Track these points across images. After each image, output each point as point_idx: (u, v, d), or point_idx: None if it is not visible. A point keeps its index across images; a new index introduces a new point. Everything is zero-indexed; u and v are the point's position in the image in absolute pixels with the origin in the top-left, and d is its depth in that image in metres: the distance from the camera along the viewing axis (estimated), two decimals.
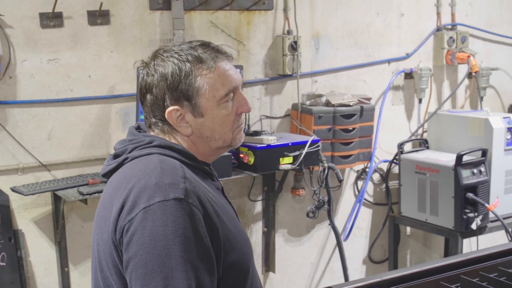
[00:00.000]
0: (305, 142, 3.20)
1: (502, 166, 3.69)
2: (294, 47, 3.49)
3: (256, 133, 3.23)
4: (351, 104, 3.56)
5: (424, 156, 3.78)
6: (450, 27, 4.17)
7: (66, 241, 3.10)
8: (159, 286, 1.35)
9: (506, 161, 3.70)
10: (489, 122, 3.63)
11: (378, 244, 4.13)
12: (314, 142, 3.24)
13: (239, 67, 3.15)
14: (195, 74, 1.51)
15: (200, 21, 3.33)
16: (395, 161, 3.94)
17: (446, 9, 4.15)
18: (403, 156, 3.84)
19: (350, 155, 3.60)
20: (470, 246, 4.14)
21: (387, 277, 1.85)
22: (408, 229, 4.21)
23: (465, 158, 3.49)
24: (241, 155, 3.17)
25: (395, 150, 3.91)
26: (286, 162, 3.17)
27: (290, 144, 3.18)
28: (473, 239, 3.77)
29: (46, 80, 3.00)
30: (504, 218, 3.54)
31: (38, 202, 3.05)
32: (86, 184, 2.88)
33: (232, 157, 3.12)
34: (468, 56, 4.00)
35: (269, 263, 3.72)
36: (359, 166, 3.91)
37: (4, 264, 2.92)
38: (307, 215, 3.42)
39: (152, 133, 1.59)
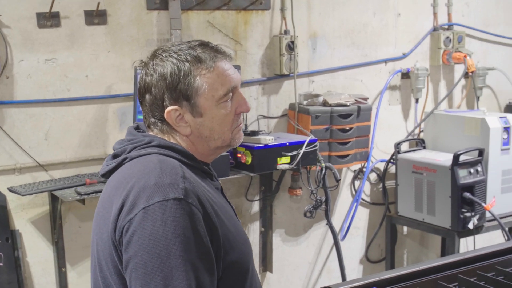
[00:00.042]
0: (303, 142, 3.20)
1: (498, 166, 3.69)
2: (291, 47, 3.49)
3: (254, 133, 3.23)
4: (348, 104, 3.56)
5: (421, 155, 3.79)
6: (446, 27, 4.18)
7: (63, 241, 3.10)
8: (159, 286, 1.35)
9: (502, 161, 3.71)
10: (486, 122, 3.64)
11: (375, 244, 4.14)
12: (311, 142, 3.24)
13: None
14: (194, 74, 1.51)
15: (197, 21, 3.33)
16: (392, 160, 3.95)
17: (442, 9, 4.16)
18: (400, 155, 3.84)
19: (347, 155, 3.61)
20: (467, 246, 4.15)
21: (385, 276, 1.85)
22: (405, 228, 4.22)
23: (462, 158, 3.50)
24: (239, 155, 3.17)
25: (392, 150, 3.92)
26: (283, 162, 3.18)
27: (287, 144, 3.19)
28: (470, 238, 3.79)
29: (43, 80, 2.99)
30: (500, 218, 3.56)
31: (35, 202, 3.04)
32: (84, 184, 2.88)
33: (230, 157, 3.12)
34: (465, 56, 4.01)
35: (266, 263, 3.72)
36: (356, 166, 3.92)
37: (1, 264, 2.92)
38: (305, 215, 3.42)
39: (151, 133, 1.59)
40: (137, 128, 1.63)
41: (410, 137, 4.10)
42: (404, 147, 4.03)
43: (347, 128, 3.56)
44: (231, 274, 1.49)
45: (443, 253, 4.12)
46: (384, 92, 3.98)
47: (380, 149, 4.02)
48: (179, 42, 1.59)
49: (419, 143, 4.04)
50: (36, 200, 3.04)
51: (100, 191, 2.78)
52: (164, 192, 1.39)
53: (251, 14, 3.49)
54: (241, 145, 3.13)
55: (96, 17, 3.05)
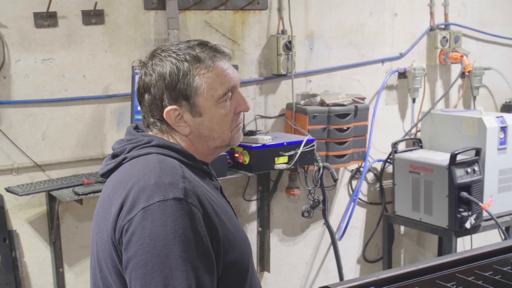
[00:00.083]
0: (300, 142, 3.21)
1: (495, 165, 3.70)
2: (288, 47, 3.50)
3: (251, 133, 3.24)
4: (345, 103, 3.57)
5: (418, 155, 3.79)
6: (443, 27, 4.19)
7: (61, 242, 3.10)
8: (159, 286, 1.35)
9: (499, 160, 3.72)
10: (483, 122, 3.65)
11: (372, 244, 4.14)
12: (309, 142, 3.24)
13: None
14: (193, 74, 1.51)
15: (194, 20, 3.33)
16: (389, 160, 3.95)
17: (439, 9, 4.17)
18: (397, 155, 3.85)
19: (345, 155, 3.61)
20: (464, 245, 4.16)
21: (383, 276, 1.85)
22: (402, 228, 4.23)
23: (459, 157, 3.50)
24: (236, 155, 3.17)
25: (389, 150, 3.92)
26: (281, 162, 3.18)
27: (285, 143, 3.19)
28: (467, 238, 3.79)
29: (41, 80, 2.99)
30: (497, 217, 3.56)
31: (32, 203, 3.04)
32: (81, 184, 2.87)
33: (227, 157, 3.12)
34: (461, 56, 4.02)
35: (263, 263, 3.72)
36: (353, 166, 3.92)
37: None
38: (302, 215, 3.42)
39: (150, 133, 1.59)
40: (136, 128, 1.62)
41: (407, 137, 4.11)
42: (401, 146, 4.03)
43: (345, 128, 3.56)
44: (231, 273, 1.49)
45: (440, 253, 4.12)
46: (381, 92, 3.98)
47: (377, 149, 4.02)
48: (178, 41, 1.59)
49: (416, 143, 4.04)
50: (33, 200, 3.04)
51: (98, 191, 2.78)
52: (164, 192, 1.39)
53: (249, 14, 3.50)
54: (239, 145, 3.11)
55: (93, 17, 3.05)
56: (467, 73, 4.12)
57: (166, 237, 1.36)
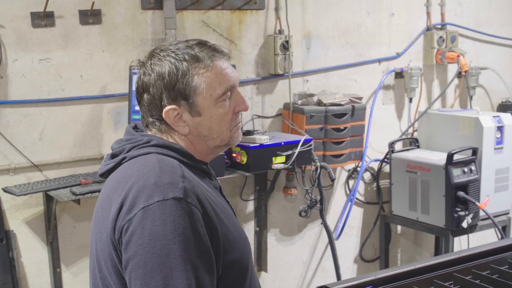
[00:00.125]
0: (298, 142, 3.21)
1: (492, 165, 3.71)
2: (285, 46, 3.50)
3: (249, 133, 3.24)
4: (342, 103, 3.57)
5: (415, 155, 3.80)
6: (440, 26, 4.20)
7: (58, 242, 3.09)
8: (159, 286, 1.35)
9: (496, 160, 3.73)
10: (479, 121, 3.66)
11: (369, 243, 4.15)
12: (306, 142, 3.24)
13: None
14: (192, 73, 1.51)
15: (192, 20, 3.33)
16: (386, 160, 3.96)
17: (435, 9, 4.18)
18: (394, 155, 3.86)
19: (342, 154, 3.61)
20: (460, 245, 4.17)
21: (381, 275, 1.85)
22: (399, 227, 4.24)
23: (456, 157, 3.51)
24: (234, 155, 3.17)
25: (386, 149, 3.93)
26: (278, 162, 3.18)
27: (282, 143, 3.19)
28: (463, 237, 3.80)
29: (38, 80, 2.99)
30: (494, 216, 3.57)
31: (29, 203, 3.03)
32: (79, 184, 2.87)
33: (225, 156, 3.12)
34: (458, 56, 4.02)
35: (261, 263, 3.72)
36: (350, 165, 3.92)
37: None
38: (300, 214, 3.43)
39: (149, 133, 1.59)
40: (135, 127, 1.62)
41: (404, 137, 4.12)
42: (398, 146, 4.04)
43: (342, 128, 3.56)
44: (231, 273, 1.49)
45: (437, 252, 4.14)
46: (378, 92, 3.99)
47: (374, 149, 4.03)
48: (177, 41, 1.58)
49: (413, 143, 4.05)
50: (30, 201, 3.03)
51: (95, 191, 2.78)
52: (163, 192, 1.39)
53: (246, 13, 3.50)
54: (237, 145, 3.13)
55: (90, 16, 3.04)
56: (463, 73, 4.13)
57: (166, 237, 1.36)
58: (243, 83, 3.51)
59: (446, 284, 1.84)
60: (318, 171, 3.36)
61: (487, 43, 4.45)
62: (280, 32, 3.55)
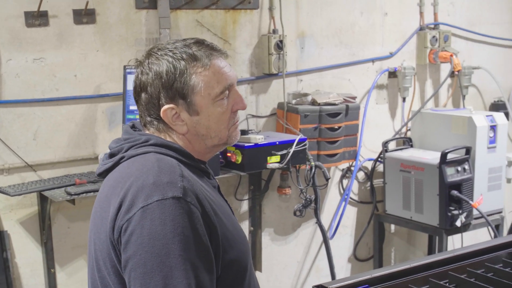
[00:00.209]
0: (292, 141, 3.21)
1: (485, 164, 3.73)
2: (280, 46, 3.50)
3: (243, 132, 3.23)
4: (336, 103, 3.58)
5: (408, 154, 3.81)
6: (432, 26, 4.22)
7: (52, 242, 3.08)
8: (159, 286, 1.35)
9: (489, 159, 3.74)
10: (473, 121, 3.67)
11: (363, 242, 4.16)
12: (301, 141, 3.25)
13: None
14: (190, 72, 1.50)
15: (186, 20, 3.33)
16: (379, 159, 3.97)
17: (428, 8, 4.19)
18: (387, 154, 3.87)
19: (336, 154, 3.62)
20: (453, 244, 4.19)
21: (376, 274, 1.86)
22: (392, 227, 4.25)
23: (449, 156, 3.52)
24: (229, 154, 3.17)
25: (379, 149, 3.94)
26: (273, 161, 3.18)
27: (277, 143, 3.19)
28: (456, 236, 3.82)
29: (32, 80, 2.97)
30: (487, 215, 3.59)
31: (24, 203, 3.02)
32: (73, 184, 2.86)
33: (220, 156, 3.12)
34: (451, 55, 4.04)
35: (255, 262, 3.72)
36: (344, 165, 3.93)
37: None
38: (294, 214, 3.43)
39: (147, 132, 1.58)
40: (133, 127, 1.62)
41: (397, 136, 4.13)
42: (391, 146, 4.05)
43: (336, 127, 3.57)
44: (230, 272, 1.49)
45: (430, 251, 4.15)
46: (372, 91, 4.00)
47: (368, 148, 4.04)
48: (175, 40, 1.58)
49: (406, 142, 4.06)
50: (24, 201, 3.02)
51: (90, 191, 2.77)
52: (162, 191, 1.39)
53: (240, 13, 3.50)
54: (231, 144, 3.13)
55: (84, 16, 3.03)
56: (456, 72, 4.15)
57: (165, 236, 1.36)
58: (237, 82, 3.50)
59: (441, 282, 1.85)
60: (313, 170, 3.36)
61: (480, 43, 4.47)
62: (274, 31, 3.55)
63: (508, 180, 4.08)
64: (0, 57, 2.89)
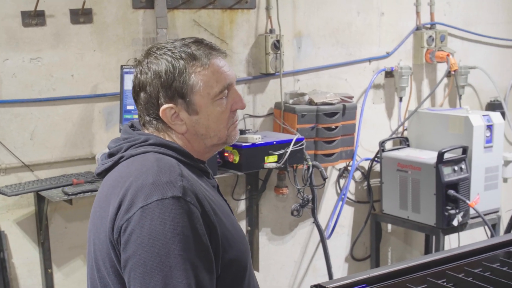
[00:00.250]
0: (290, 141, 3.22)
1: (482, 163, 3.74)
2: (277, 46, 3.50)
3: (241, 132, 3.23)
4: (333, 102, 3.58)
5: (405, 154, 3.82)
6: (429, 26, 4.22)
7: (49, 242, 3.07)
8: (159, 285, 1.34)
9: (485, 158, 3.75)
10: (469, 120, 3.68)
11: (360, 242, 4.16)
12: (298, 141, 3.25)
13: None
14: (189, 72, 1.50)
15: (183, 19, 3.33)
16: (376, 159, 3.97)
17: (425, 8, 4.20)
18: (384, 154, 3.87)
19: (333, 153, 3.63)
20: (450, 243, 4.20)
21: (374, 273, 1.87)
22: (389, 226, 4.25)
23: (446, 156, 3.53)
24: (226, 154, 3.17)
25: (376, 148, 3.94)
26: (271, 161, 3.18)
27: (274, 142, 3.20)
28: (453, 236, 3.82)
29: (28, 80, 2.97)
30: (484, 215, 3.60)
31: (21, 203, 3.01)
32: (70, 184, 2.86)
33: (217, 156, 3.12)
34: (448, 55, 4.05)
35: (252, 262, 3.71)
36: (341, 164, 3.93)
37: None
38: (292, 213, 3.43)
39: (146, 131, 1.58)
40: (132, 126, 1.61)
41: (394, 136, 4.13)
42: (388, 145, 4.06)
43: (333, 127, 3.57)
44: (229, 272, 1.49)
45: (427, 251, 4.16)
46: (369, 91, 4.00)
47: (365, 148, 4.04)
48: (174, 39, 1.57)
49: (403, 142, 4.07)
50: (21, 201, 3.01)
51: (87, 191, 2.77)
52: (162, 191, 1.38)
53: (237, 13, 3.50)
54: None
55: (81, 16, 3.03)
56: (453, 72, 4.15)
57: (165, 236, 1.35)
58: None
59: (439, 282, 1.86)
60: (310, 170, 3.36)
61: (476, 43, 4.48)
62: (271, 31, 3.55)
63: (505, 180, 4.09)
64: None
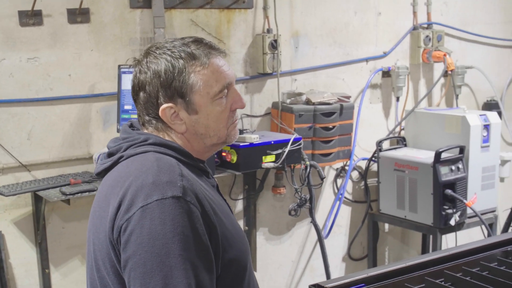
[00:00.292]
0: (287, 140, 3.22)
1: (479, 163, 3.74)
2: (274, 45, 3.50)
3: (239, 132, 3.23)
4: (331, 102, 3.58)
5: (402, 153, 3.82)
6: (426, 26, 4.23)
7: (46, 243, 3.06)
8: (159, 285, 1.34)
9: (482, 158, 3.76)
10: (466, 120, 3.69)
11: (357, 242, 4.16)
12: (296, 140, 3.25)
13: None
14: (188, 71, 1.50)
15: (180, 19, 3.32)
16: (373, 158, 3.97)
17: (422, 8, 4.20)
18: (381, 153, 3.87)
19: (330, 153, 3.63)
20: (447, 243, 4.20)
21: (372, 273, 1.87)
22: (386, 226, 4.26)
23: (443, 155, 3.53)
24: (224, 154, 3.17)
25: (373, 148, 3.95)
26: (268, 161, 3.18)
27: (272, 142, 3.20)
28: (450, 235, 3.83)
29: (26, 79, 2.96)
30: (481, 214, 3.60)
31: (18, 203, 3.00)
32: (68, 184, 2.85)
33: (215, 155, 3.12)
34: (444, 55, 4.05)
35: None
36: (338, 164, 3.94)
37: None
38: (289, 213, 3.44)
39: (145, 131, 1.57)
40: (131, 126, 1.61)
41: (391, 135, 4.14)
42: (385, 145, 4.06)
43: (330, 127, 3.57)
44: (229, 271, 1.49)
45: (424, 250, 4.16)
46: (366, 91, 4.01)
47: (362, 147, 4.04)
48: (173, 38, 1.57)
49: (400, 141, 4.07)
50: (19, 201, 3.00)
51: (85, 191, 2.76)
52: (162, 191, 1.38)
53: (234, 12, 3.50)
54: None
55: (79, 15, 3.02)
56: (449, 72, 4.16)
57: (165, 236, 1.35)
58: None
59: (437, 281, 1.86)
60: (308, 169, 3.36)
61: (473, 42, 4.49)
62: (269, 31, 3.55)
63: (502, 179, 4.10)
64: None
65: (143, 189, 1.39)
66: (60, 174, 3.05)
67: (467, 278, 1.87)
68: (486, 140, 3.75)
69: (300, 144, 3.27)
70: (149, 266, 1.35)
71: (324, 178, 3.40)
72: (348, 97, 3.72)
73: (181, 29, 3.31)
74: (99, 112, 3.15)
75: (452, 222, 3.53)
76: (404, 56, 4.18)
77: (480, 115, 3.77)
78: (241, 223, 3.68)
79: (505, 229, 3.62)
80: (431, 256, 2.00)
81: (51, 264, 3.10)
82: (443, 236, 3.75)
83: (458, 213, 3.54)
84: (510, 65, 4.69)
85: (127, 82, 2.94)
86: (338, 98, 3.64)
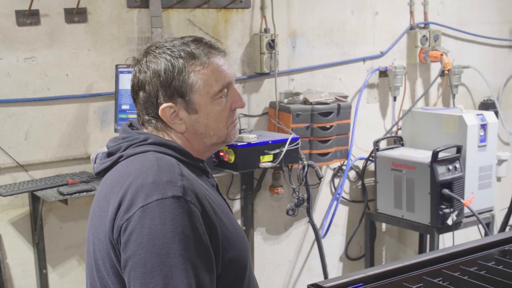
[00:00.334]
0: (285, 140, 3.22)
1: (476, 162, 3.75)
2: (271, 45, 3.50)
3: None
4: (328, 102, 3.58)
5: (399, 153, 3.83)
6: (423, 25, 4.23)
7: (44, 243, 3.05)
8: (159, 285, 1.34)
9: (479, 157, 3.77)
10: (463, 119, 3.69)
11: (355, 241, 4.17)
12: (293, 140, 3.25)
13: None
14: (188, 70, 1.50)
15: (178, 19, 3.32)
16: (371, 158, 3.98)
17: (419, 8, 4.21)
18: (379, 153, 3.88)
19: (328, 153, 3.63)
20: (444, 242, 4.21)
21: (370, 272, 1.87)
22: (383, 225, 4.26)
23: (440, 155, 3.54)
24: (221, 154, 3.16)
25: (371, 148, 3.95)
26: (266, 160, 3.18)
27: (270, 142, 3.19)
28: (447, 235, 3.84)
29: (23, 79, 2.95)
30: (478, 214, 3.61)
31: (15, 203, 2.99)
32: (66, 184, 2.84)
33: (213, 155, 3.11)
34: (441, 54, 4.06)
35: None
36: (336, 164, 3.94)
37: None
38: (287, 213, 3.43)
39: (145, 131, 1.57)
40: (130, 125, 1.61)
41: (388, 135, 4.14)
42: (382, 145, 4.06)
43: (328, 126, 3.58)
44: (230, 271, 1.49)
45: (421, 250, 4.17)
46: (363, 90, 4.01)
47: (359, 147, 4.05)
48: (173, 38, 1.57)
49: (397, 141, 4.07)
50: (16, 201, 2.99)
51: (83, 191, 2.75)
52: (162, 190, 1.38)
53: (231, 12, 3.49)
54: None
55: (76, 15, 3.02)
56: (446, 72, 4.17)
57: (165, 236, 1.35)
58: None
59: (435, 280, 1.86)
60: (306, 169, 3.36)
61: (469, 42, 4.50)
62: (266, 30, 3.55)
63: (498, 179, 4.11)
64: None
65: (143, 189, 1.39)
66: (58, 174, 3.04)
67: (465, 278, 1.87)
68: (483, 139, 3.75)
69: (297, 144, 3.27)
70: (149, 266, 1.34)
71: (322, 177, 3.40)
72: (346, 97, 3.72)
73: (178, 28, 3.31)
74: (96, 112, 3.15)
75: (449, 222, 3.53)
76: (401, 55, 4.19)
77: (477, 114, 3.78)
78: (238, 223, 3.67)
79: (502, 229, 3.63)
80: (429, 255, 1.99)
81: (48, 265, 3.09)
82: (441, 236, 3.76)
83: (455, 212, 3.54)
84: (506, 64, 4.71)
85: (124, 82, 2.93)
86: (336, 98, 3.64)
